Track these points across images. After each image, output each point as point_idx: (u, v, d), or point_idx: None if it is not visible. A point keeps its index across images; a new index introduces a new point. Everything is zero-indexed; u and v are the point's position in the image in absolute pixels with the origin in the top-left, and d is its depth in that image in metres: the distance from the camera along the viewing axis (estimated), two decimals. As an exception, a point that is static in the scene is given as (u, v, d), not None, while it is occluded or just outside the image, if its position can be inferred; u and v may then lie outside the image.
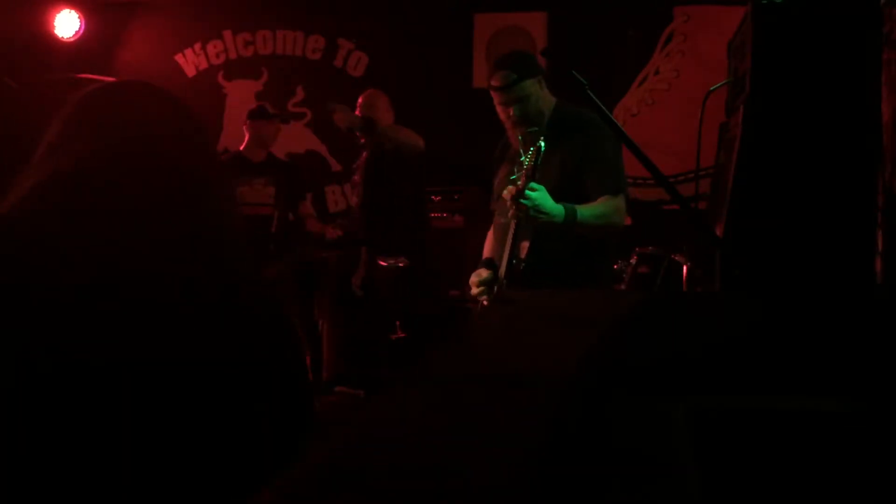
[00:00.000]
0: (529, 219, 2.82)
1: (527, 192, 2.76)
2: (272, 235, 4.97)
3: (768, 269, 2.36)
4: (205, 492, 1.16)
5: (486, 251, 3.23)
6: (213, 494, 1.17)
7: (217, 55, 6.34)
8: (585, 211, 2.86)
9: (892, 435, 1.00)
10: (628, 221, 3.16)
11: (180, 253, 1.21)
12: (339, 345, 5.19)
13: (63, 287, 1.14)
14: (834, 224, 2.36)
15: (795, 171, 2.40)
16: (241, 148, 5.22)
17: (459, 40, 5.80)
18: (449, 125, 5.51)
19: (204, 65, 6.36)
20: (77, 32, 6.15)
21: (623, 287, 3.84)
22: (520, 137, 2.90)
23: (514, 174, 2.88)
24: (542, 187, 2.78)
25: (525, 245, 2.94)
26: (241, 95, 6.20)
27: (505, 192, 2.88)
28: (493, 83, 3.05)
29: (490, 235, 3.26)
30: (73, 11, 6.12)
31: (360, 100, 5.03)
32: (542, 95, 3.04)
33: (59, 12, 6.08)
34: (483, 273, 3.06)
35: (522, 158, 2.85)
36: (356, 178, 5.03)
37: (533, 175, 2.81)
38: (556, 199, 2.81)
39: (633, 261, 3.95)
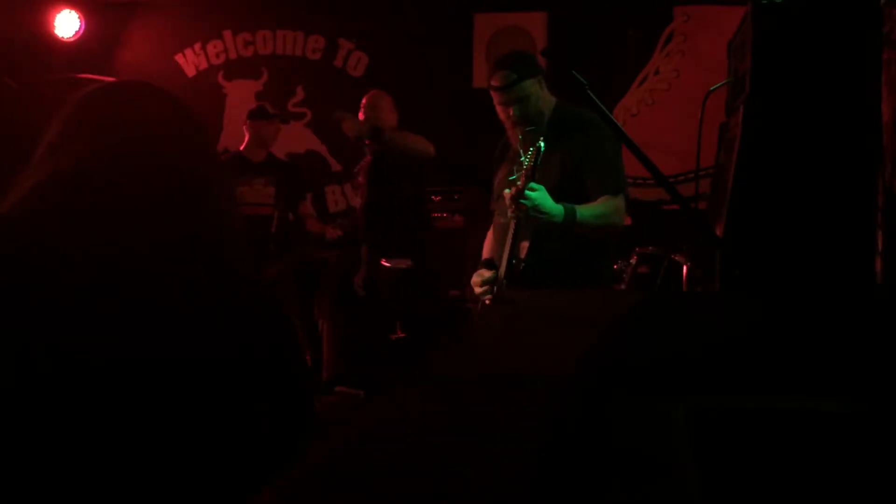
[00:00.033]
0: (529, 219, 2.82)
1: (526, 192, 2.76)
2: (272, 235, 4.97)
3: (768, 269, 2.36)
4: (205, 492, 1.16)
5: (486, 251, 3.23)
6: (214, 494, 1.17)
7: (217, 55, 6.34)
8: (585, 211, 2.86)
9: (892, 435, 1.00)
10: (628, 221, 3.16)
11: (180, 253, 1.21)
12: (339, 345, 5.19)
13: (63, 287, 1.14)
14: (834, 224, 2.36)
15: (795, 171, 2.40)
16: (241, 148, 5.22)
17: (459, 40, 5.80)
18: (449, 125, 5.51)
19: (204, 65, 6.36)
20: (77, 32, 6.15)
21: (623, 287, 3.84)
22: (520, 137, 2.90)
23: (513, 174, 2.88)
24: (541, 187, 2.78)
25: (525, 245, 2.94)
26: (241, 95, 6.20)
27: (505, 192, 2.88)
28: (493, 83, 3.05)
29: (490, 235, 3.26)
30: (73, 11, 6.12)
31: (363, 100, 5.02)
32: (542, 95, 3.04)
33: (59, 12, 6.08)
34: (485, 273, 3.06)
35: (522, 158, 2.85)
36: (360, 179, 5.02)
37: (533, 175, 2.81)
38: (556, 199, 2.81)
39: (633, 261, 3.95)
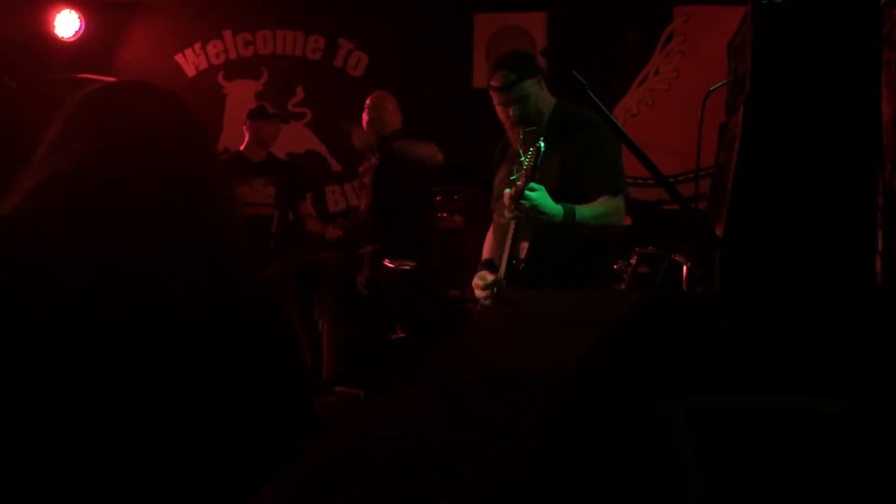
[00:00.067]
0: (529, 219, 2.82)
1: (526, 192, 2.76)
2: (272, 235, 4.97)
3: (768, 269, 2.36)
4: (205, 492, 1.16)
5: (486, 251, 3.23)
6: (214, 494, 1.17)
7: (217, 55, 6.33)
8: (585, 211, 2.86)
9: (892, 435, 1.00)
10: (628, 221, 3.16)
11: (180, 253, 1.21)
12: (339, 345, 5.19)
13: (63, 287, 1.14)
14: (834, 224, 2.36)
15: (795, 171, 2.40)
16: (241, 148, 5.22)
17: (459, 40, 5.80)
18: (449, 125, 5.51)
19: (204, 65, 6.36)
20: (77, 32, 6.15)
21: (623, 287, 3.84)
22: (520, 138, 2.90)
23: (513, 174, 2.88)
24: (541, 187, 2.78)
25: (525, 245, 2.94)
26: (241, 95, 6.20)
27: (504, 192, 2.88)
28: (493, 83, 3.05)
29: (490, 235, 3.26)
30: (73, 11, 6.11)
31: (367, 101, 5.01)
32: (541, 96, 3.04)
33: (59, 12, 6.08)
34: (487, 276, 3.06)
35: (522, 159, 2.85)
36: (365, 180, 5.01)
37: (532, 175, 2.81)
38: (556, 199, 2.81)
39: (633, 261, 3.95)
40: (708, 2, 5.39)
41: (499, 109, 3.08)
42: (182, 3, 6.31)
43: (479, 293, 3.07)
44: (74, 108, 1.28)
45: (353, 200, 6.05)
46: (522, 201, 2.76)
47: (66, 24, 6.10)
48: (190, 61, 6.37)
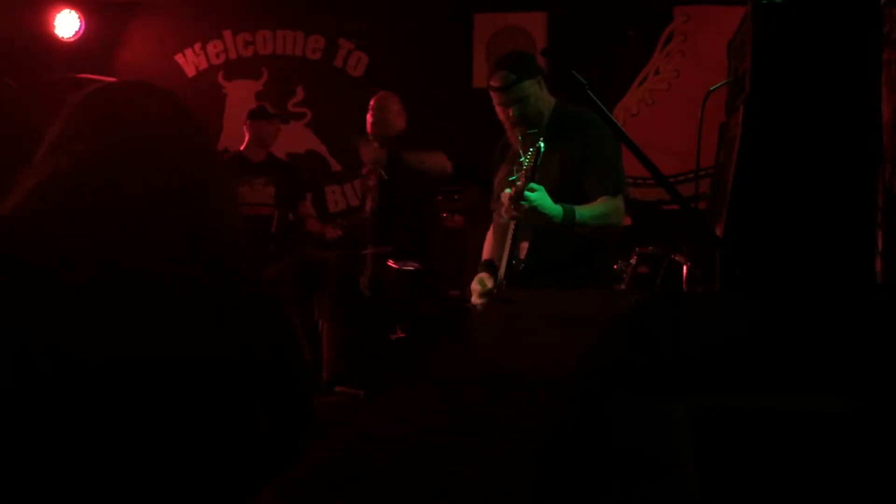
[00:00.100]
0: (528, 219, 2.82)
1: (525, 192, 2.76)
2: (272, 235, 4.97)
3: (768, 269, 2.36)
4: (205, 492, 1.16)
5: (486, 252, 3.23)
6: (214, 494, 1.17)
7: (217, 55, 6.33)
8: (584, 212, 2.86)
9: (892, 435, 1.00)
10: (628, 221, 3.16)
11: (180, 253, 1.21)
12: (339, 345, 5.19)
13: (63, 287, 1.14)
14: (834, 224, 2.36)
15: (795, 171, 2.40)
16: (241, 148, 5.22)
17: (459, 40, 5.80)
18: (449, 125, 5.51)
19: (204, 65, 6.36)
20: (77, 32, 6.14)
21: (623, 287, 3.84)
22: (519, 138, 2.90)
23: (513, 174, 2.88)
24: (541, 188, 2.78)
25: (524, 245, 2.93)
26: (241, 95, 6.20)
27: (504, 192, 2.88)
28: (493, 84, 3.05)
29: (489, 236, 3.26)
30: (73, 11, 6.11)
31: (371, 102, 4.99)
32: (541, 96, 3.04)
33: (59, 12, 6.08)
34: (487, 282, 3.06)
35: (522, 159, 2.85)
36: (370, 182, 4.99)
37: (532, 176, 2.80)
38: (556, 199, 2.81)
39: (633, 261, 3.95)
40: (708, 2, 5.39)
41: (498, 110, 3.08)
42: (182, 3, 6.31)
43: (474, 299, 3.08)
44: (75, 109, 1.28)
45: (353, 200, 6.05)
46: (522, 202, 2.76)
47: (66, 24, 6.10)
48: (190, 61, 6.37)
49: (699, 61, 5.34)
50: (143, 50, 6.38)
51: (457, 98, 5.66)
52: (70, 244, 1.16)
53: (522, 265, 2.92)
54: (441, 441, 0.81)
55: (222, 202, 1.31)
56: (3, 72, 4.76)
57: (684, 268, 3.45)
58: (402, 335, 4.77)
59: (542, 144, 2.81)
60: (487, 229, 3.29)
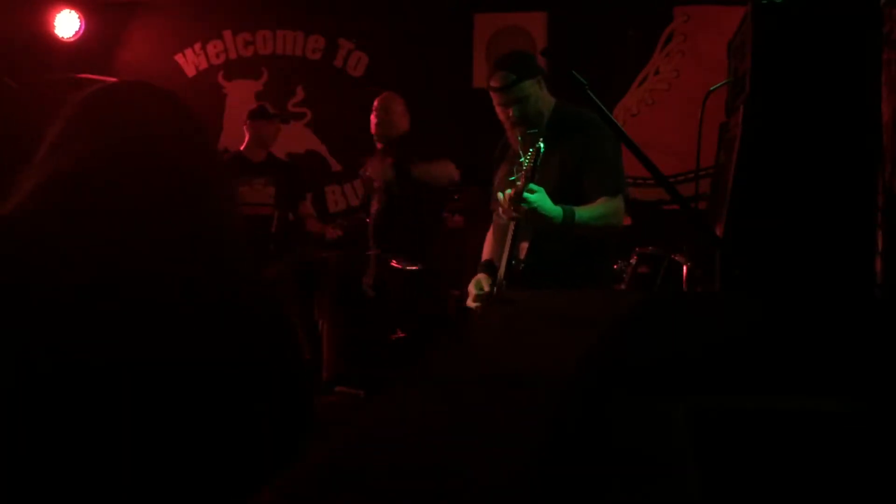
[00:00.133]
0: (528, 220, 2.82)
1: (525, 194, 2.75)
2: (272, 235, 4.97)
3: (768, 269, 2.36)
4: (205, 492, 1.16)
5: (486, 252, 3.23)
6: (213, 494, 1.17)
7: (217, 55, 6.33)
8: (584, 213, 2.86)
9: (892, 435, 1.00)
10: (628, 221, 3.16)
11: (180, 253, 1.21)
12: (339, 345, 5.18)
13: (63, 287, 1.14)
14: (834, 224, 2.36)
15: (795, 171, 2.40)
16: (241, 148, 5.22)
17: (459, 40, 5.80)
18: (449, 125, 5.51)
19: (204, 65, 6.36)
20: (77, 32, 6.14)
21: (623, 287, 3.84)
22: (519, 138, 2.90)
23: (513, 175, 2.88)
24: (541, 189, 2.78)
25: (524, 246, 2.93)
26: (241, 95, 6.20)
27: (505, 192, 2.87)
28: (493, 84, 3.05)
29: (489, 236, 3.26)
30: (73, 11, 6.11)
31: (375, 103, 4.98)
32: (541, 96, 3.04)
33: (59, 12, 6.08)
34: (483, 284, 3.06)
35: (522, 159, 2.85)
36: (376, 184, 4.98)
37: (532, 176, 2.80)
38: (556, 199, 2.81)
39: (633, 261, 3.95)
40: (708, 2, 5.39)
41: (498, 110, 3.08)
42: (182, 3, 6.31)
43: (470, 302, 3.08)
44: (75, 109, 1.28)
45: (353, 200, 6.04)
46: (522, 204, 2.76)
47: (66, 24, 6.10)
48: (190, 61, 6.37)
49: (699, 61, 5.34)
50: (143, 50, 6.37)
51: (457, 98, 5.66)
52: (70, 244, 1.16)
53: (522, 265, 2.92)
54: (441, 441, 0.81)
55: (222, 202, 1.31)
56: (3, 72, 4.75)
57: (684, 268, 3.45)
58: (402, 335, 4.77)
59: (542, 145, 2.81)
60: (487, 229, 3.29)
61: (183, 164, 1.27)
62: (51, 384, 1.10)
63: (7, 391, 1.10)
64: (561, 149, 2.93)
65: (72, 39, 6.13)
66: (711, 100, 2.86)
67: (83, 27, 6.16)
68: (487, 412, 0.90)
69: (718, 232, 2.50)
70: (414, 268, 4.64)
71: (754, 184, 2.44)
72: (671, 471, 0.83)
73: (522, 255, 2.93)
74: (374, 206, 5.00)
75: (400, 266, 4.69)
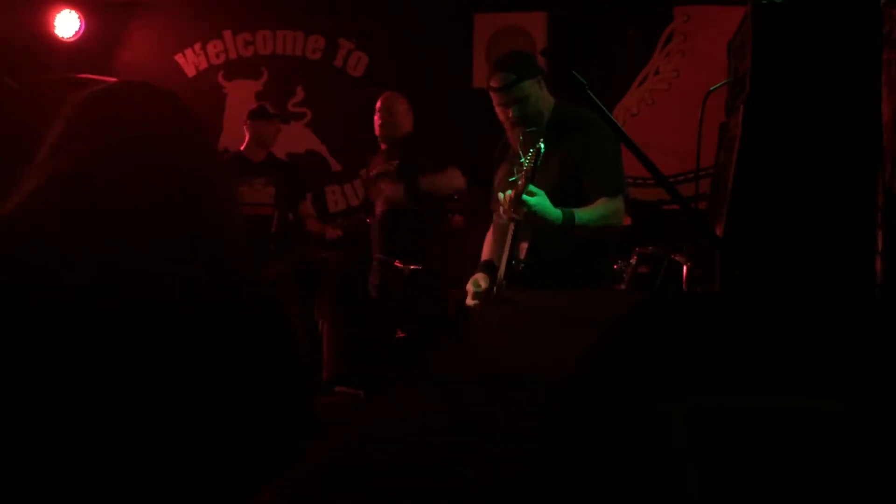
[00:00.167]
0: (528, 221, 2.82)
1: (525, 197, 2.74)
2: (272, 235, 4.97)
3: (768, 269, 2.36)
4: (205, 492, 1.16)
5: (486, 252, 3.23)
6: (213, 494, 1.17)
7: (217, 55, 6.34)
8: (584, 214, 2.85)
9: (892, 435, 1.00)
10: (628, 221, 3.16)
11: (180, 253, 1.21)
12: (339, 345, 5.19)
13: (63, 287, 1.14)
14: (834, 224, 2.36)
15: (795, 171, 2.40)
16: (241, 148, 5.22)
17: (459, 40, 5.80)
18: (449, 125, 5.51)
19: (204, 65, 6.36)
20: (77, 32, 6.15)
21: (623, 287, 3.84)
22: (519, 138, 2.90)
23: (513, 175, 2.88)
24: (541, 192, 2.77)
25: (524, 246, 2.93)
26: (241, 95, 6.20)
27: (506, 193, 2.87)
28: (493, 84, 3.05)
29: (489, 236, 3.26)
30: (73, 11, 6.12)
31: (378, 103, 4.97)
32: (541, 96, 3.04)
33: (59, 12, 6.08)
34: (482, 282, 3.05)
35: (522, 160, 2.84)
36: (382, 185, 4.97)
37: (532, 177, 2.80)
38: (556, 199, 2.80)
39: (633, 261, 3.95)
40: (708, 2, 5.39)
41: (498, 110, 3.08)
42: (182, 3, 6.31)
43: (468, 300, 3.08)
44: (75, 109, 1.28)
45: (353, 200, 6.05)
46: (522, 207, 2.76)
47: (66, 24, 6.11)
48: (190, 61, 6.37)
49: (699, 61, 5.35)
50: (143, 50, 6.38)
51: (457, 98, 5.67)
52: (70, 244, 1.16)
53: (522, 265, 2.91)
54: (441, 441, 0.81)
55: (222, 202, 1.31)
56: (3, 72, 4.75)
57: (684, 268, 3.45)
58: (403, 335, 4.77)
59: (542, 145, 2.81)
60: (487, 229, 3.29)
61: (183, 164, 1.27)
62: (51, 384, 1.10)
63: (7, 391, 1.10)
64: (561, 149, 2.93)
65: (72, 39, 6.13)
66: (711, 100, 2.86)
67: (83, 27, 6.16)
68: (487, 412, 0.90)
69: (718, 232, 2.50)
70: (417, 268, 4.64)
71: (754, 184, 2.44)
72: (671, 471, 0.83)
73: (522, 255, 2.93)
74: (379, 209, 4.98)
75: (403, 267, 4.69)
